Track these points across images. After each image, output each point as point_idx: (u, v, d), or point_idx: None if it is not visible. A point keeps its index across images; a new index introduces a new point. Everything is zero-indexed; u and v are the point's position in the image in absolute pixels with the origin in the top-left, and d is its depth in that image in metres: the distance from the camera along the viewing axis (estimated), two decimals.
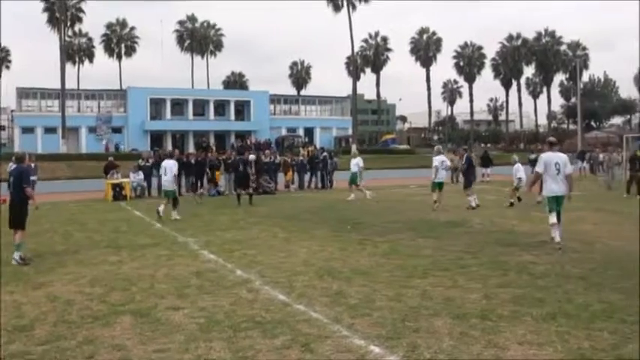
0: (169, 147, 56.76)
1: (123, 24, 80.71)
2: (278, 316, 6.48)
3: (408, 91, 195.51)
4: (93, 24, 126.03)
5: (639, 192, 21.36)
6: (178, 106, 66.97)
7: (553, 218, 10.86)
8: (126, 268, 9.47)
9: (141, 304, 7.13)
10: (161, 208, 16.54)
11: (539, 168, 11.11)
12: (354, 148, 24.73)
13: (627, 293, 7.33)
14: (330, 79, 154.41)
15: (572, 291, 7.47)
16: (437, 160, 18.36)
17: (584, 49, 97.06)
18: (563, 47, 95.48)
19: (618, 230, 13.14)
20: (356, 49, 75.69)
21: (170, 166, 16.93)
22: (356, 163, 22.73)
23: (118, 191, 24.45)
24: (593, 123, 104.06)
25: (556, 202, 10.92)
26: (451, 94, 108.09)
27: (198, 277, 8.54)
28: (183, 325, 6.23)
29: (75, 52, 78.81)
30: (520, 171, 19.84)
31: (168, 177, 16.82)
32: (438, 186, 18.15)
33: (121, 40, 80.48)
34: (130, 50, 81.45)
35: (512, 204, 18.63)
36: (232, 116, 68.97)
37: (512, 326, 6.02)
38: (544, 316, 6.34)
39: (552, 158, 11.00)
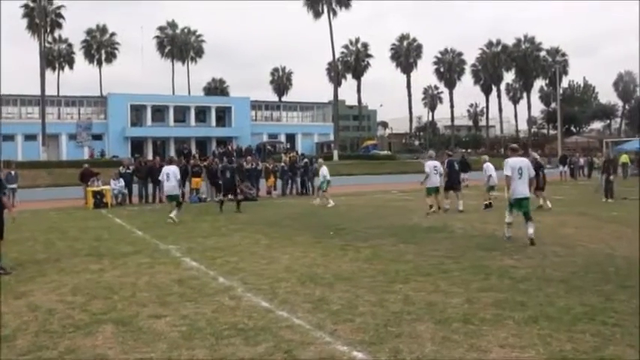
0: (150, 154, 56.53)
1: (103, 30, 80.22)
2: (261, 322, 6.46)
3: (388, 97, 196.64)
4: (73, 30, 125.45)
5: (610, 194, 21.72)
6: (159, 112, 66.64)
7: (509, 218, 12.15)
8: (107, 276, 9.40)
9: (123, 312, 7.08)
10: (174, 214, 17.09)
11: (507, 172, 11.98)
12: (320, 160, 25.17)
13: (608, 296, 7.41)
14: (312, 85, 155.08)
15: (553, 294, 7.53)
16: (429, 165, 18.59)
17: (564, 55, 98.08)
18: (543, 53, 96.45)
19: (599, 234, 13.26)
20: (337, 55, 76.02)
21: (173, 171, 17.71)
22: (324, 173, 23.09)
23: (98, 199, 24.28)
24: (573, 128, 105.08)
25: (520, 204, 11.89)
26: (432, 99, 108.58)
27: (180, 285, 8.49)
28: (165, 333, 6.19)
29: (55, 59, 78.15)
30: (490, 169, 20.01)
31: (172, 182, 17.60)
32: (435, 191, 18.43)
33: (101, 47, 80.00)
34: (111, 56, 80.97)
35: (488, 205, 18.78)
36: (213, 122, 68.79)
37: (494, 330, 6.06)
38: (526, 320, 6.39)
39: (516, 163, 12.01)
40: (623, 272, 8.94)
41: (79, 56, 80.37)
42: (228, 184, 20.31)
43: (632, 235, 13.03)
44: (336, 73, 75.41)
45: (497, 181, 18.96)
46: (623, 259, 10.05)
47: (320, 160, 26.00)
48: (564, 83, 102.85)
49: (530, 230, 11.60)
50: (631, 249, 11.11)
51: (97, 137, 62.08)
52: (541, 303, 7.10)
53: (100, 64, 79.90)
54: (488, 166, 20.16)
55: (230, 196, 20.17)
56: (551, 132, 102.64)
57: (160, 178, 19.04)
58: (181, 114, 67.72)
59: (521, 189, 11.87)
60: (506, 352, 5.45)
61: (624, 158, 43.36)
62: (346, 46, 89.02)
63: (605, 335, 5.86)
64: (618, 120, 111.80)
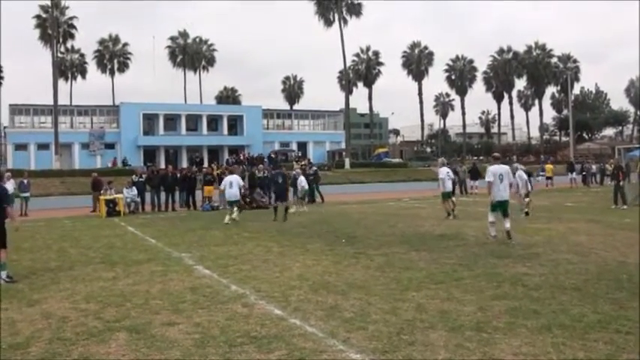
0: (162, 162, 56.73)
1: (115, 40, 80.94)
2: (273, 330, 6.46)
3: (400, 104, 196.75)
4: (85, 40, 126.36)
5: (623, 201, 21.58)
6: (171, 121, 66.98)
7: (492, 217, 13.43)
8: (120, 284, 9.43)
9: (136, 320, 7.10)
10: (235, 214, 19.36)
11: (489, 178, 13.43)
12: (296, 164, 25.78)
13: (621, 304, 7.37)
14: (323, 93, 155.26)
15: (566, 302, 7.50)
16: (442, 171, 19.41)
17: (575, 61, 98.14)
18: (554, 60, 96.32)
19: (611, 241, 13.19)
20: (348, 64, 76.12)
21: (236, 180, 20.17)
22: (302, 184, 24.09)
23: (111, 207, 24.38)
24: (585, 134, 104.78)
25: (501, 205, 13.30)
26: (443, 107, 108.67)
27: (193, 293, 8.51)
28: (179, 340, 6.20)
29: (67, 68, 78.92)
30: (522, 177, 19.64)
31: (234, 189, 19.79)
32: (448, 195, 19.40)
33: (113, 56, 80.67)
34: (123, 66, 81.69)
35: (527, 213, 18.86)
36: (225, 131, 69.01)
37: (507, 338, 6.04)
38: (539, 328, 6.37)
39: (497, 170, 13.36)
40: (635, 280, 8.87)
41: (91, 66, 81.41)
42: (280, 190, 20.36)
43: None
44: (347, 81, 75.59)
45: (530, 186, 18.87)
46: (635, 267, 9.97)
47: (298, 170, 26.20)
48: (576, 90, 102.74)
49: (507, 225, 13.23)
50: None
51: (110, 146, 62.50)
52: (554, 311, 7.06)
53: (112, 73, 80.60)
54: (521, 174, 19.81)
55: (278, 202, 20.42)
56: (564, 139, 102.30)
57: (221, 186, 20.99)
58: (193, 123, 68.03)
59: (502, 193, 13.33)
60: None
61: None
62: (357, 54, 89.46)
63: (618, 343, 5.82)
64: (630, 126, 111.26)
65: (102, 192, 25.48)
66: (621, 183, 22.06)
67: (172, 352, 5.86)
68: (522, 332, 6.23)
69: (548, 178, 41.77)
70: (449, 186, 19.40)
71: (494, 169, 13.42)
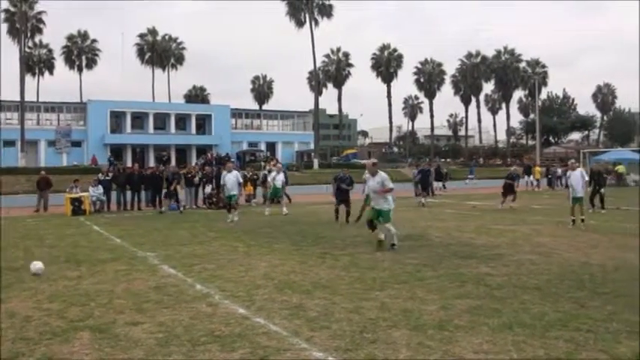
0: (129, 161, 56.16)
1: (84, 36, 79.83)
2: (237, 329, 6.46)
3: (369, 106, 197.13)
4: (54, 35, 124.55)
5: (601, 205, 21.92)
6: (139, 119, 66.34)
7: (393, 229, 12.63)
8: (85, 283, 9.32)
9: (100, 319, 7.03)
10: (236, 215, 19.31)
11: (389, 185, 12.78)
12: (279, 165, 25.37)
13: (582, 303, 7.53)
14: (292, 94, 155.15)
15: (528, 301, 7.62)
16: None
17: (544, 66, 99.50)
18: (523, 65, 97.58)
19: (575, 242, 13.43)
20: (318, 65, 76.22)
21: (235, 175, 20.04)
22: (280, 178, 23.47)
23: (77, 205, 24.09)
24: (551, 138, 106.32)
25: (378, 213, 12.64)
26: (412, 109, 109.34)
27: (157, 292, 8.46)
28: (142, 340, 6.16)
29: (35, 64, 77.70)
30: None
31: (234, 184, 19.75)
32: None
33: (81, 53, 79.53)
34: (91, 62, 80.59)
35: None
36: (193, 130, 68.59)
37: (469, 336, 6.12)
38: (500, 326, 6.46)
39: (373, 179, 12.75)
40: (597, 280, 9.08)
41: (59, 62, 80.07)
42: (344, 194, 19.11)
43: (608, 243, 13.26)
44: (317, 82, 75.66)
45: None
46: (598, 267, 10.20)
47: (279, 166, 25.99)
48: (543, 94, 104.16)
49: (392, 229, 12.67)
50: (606, 256, 11.31)
51: (77, 144, 61.60)
52: (516, 310, 7.18)
53: (80, 70, 79.46)
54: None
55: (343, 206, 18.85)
56: (530, 142, 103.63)
57: (221, 182, 20.81)
58: (161, 121, 67.47)
59: (377, 200, 12.70)
60: (481, 358, 5.50)
61: (621, 168, 44.25)
62: (327, 56, 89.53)
63: (578, 341, 5.94)
64: (596, 131, 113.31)
65: (67, 190, 25.16)
66: (602, 190, 22.33)
67: (136, 351, 5.82)
68: (484, 330, 6.32)
69: (536, 180, 43.18)
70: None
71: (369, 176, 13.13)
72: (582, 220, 16.35)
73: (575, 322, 6.63)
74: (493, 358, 5.48)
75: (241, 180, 20.74)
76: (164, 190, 25.19)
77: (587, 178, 16.65)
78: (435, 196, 32.74)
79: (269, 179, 23.72)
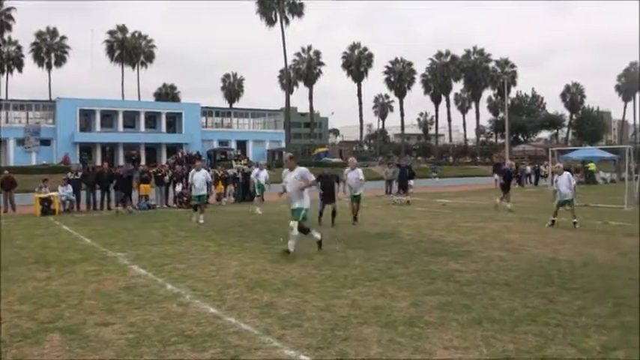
0: (99, 160, 55.51)
1: (53, 33, 78.74)
2: (208, 329, 6.45)
3: (340, 104, 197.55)
4: (23, 32, 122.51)
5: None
6: (108, 117, 65.55)
7: (295, 231, 11.39)
8: (55, 284, 9.20)
9: (70, 320, 6.96)
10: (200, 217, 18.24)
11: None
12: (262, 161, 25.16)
13: (551, 298, 7.69)
14: (263, 92, 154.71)
15: (497, 297, 7.74)
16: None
17: (513, 66, 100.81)
18: (492, 64, 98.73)
19: (543, 239, 13.64)
20: (289, 63, 76.20)
21: (204, 173, 19.15)
22: (264, 175, 23.27)
23: (46, 205, 23.75)
24: (520, 137, 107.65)
25: (299, 213, 11.58)
26: (382, 108, 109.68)
27: (127, 292, 8.40)
28: (113, 341, 6.12)
29: (4, 61, 76.33)
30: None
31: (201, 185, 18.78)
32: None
33: (50, 50, 78.41)
34: (60, 60, 79.47)
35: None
36: (163, 128, 68.07)
37: (439, 332, 6.20)
38: (470, 322, 6.56)
39: (291, 173, 11.94)
40: (566, 275, 9.26)
41: (28, 59, 78.78)
42: (330, 194, 17.39)
43: (576, 239, 13.48)
44: (288, 80, 75.60)
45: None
46: (566, 263, 10.40)
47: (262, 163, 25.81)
48: (513, 93, 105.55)
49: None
50: (574, 252, 11.51)
51: (46, 142, 60.61)
52: (485, 306, 7.28)
53: (49, 67, 78.35)
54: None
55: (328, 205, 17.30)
56: (499, 141, 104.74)
57: (189, 181, 19.64)
58: (131, 120, 66.79)
59: (299, 200, 11.86)
60: (450, 353, 5.58)
61: (592, 166, 45.01)
62: (298, 54, 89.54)
63: (547, 335, 6.06)
64: (565, 129, 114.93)
65: (36, 190, 24.78)
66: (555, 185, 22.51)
67: (106, 352, 5.78)
68: (453, 326, 6.40)
69: (519, 177, 43.42)
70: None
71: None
72: (574, 223, 16.00)
73: (544, 316, 6.75)
74: (463, 354, 5.55)
75: (211, 179, 20.17)
76: (112, 191, 24.76)
77: (574, 182, 16.68)
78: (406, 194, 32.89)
79: (252, 176, 23.42)
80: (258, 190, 23.08)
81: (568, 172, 16.91)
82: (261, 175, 22.88)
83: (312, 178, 12.02)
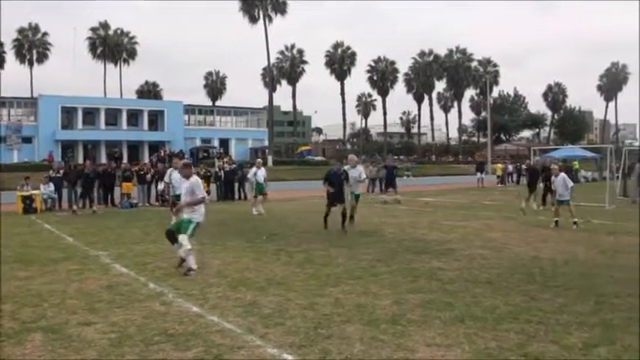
0: (80, 157, 55.07)
1: (35, 29, 77.91)
2: (191, 328, 6.44)
3: (323, 103, 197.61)
4: (4, 28, 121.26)
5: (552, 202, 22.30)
6: (90, 115, 65.01)
7: (188, 245, 9.81)
8: (36, 283, 9.12)
9: (52, 320, 6.91)
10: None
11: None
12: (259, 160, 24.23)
13: (532, 296, 7.76)
14: (246, 90, 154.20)
15: (479, 295, 7.80)
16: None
17: (495, 65, 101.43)
18: (474, 64, 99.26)
19: (525, 237, 13.76)
20: (272, 61, 76.00)
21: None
22: (262, 174, 22.39)
23: (28, 204, 23.55)
24: (503, 136, 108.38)
25: (187, 226, 10.12)
26: (365, 107, 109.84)
27: (109, 292, 8.35)
28: (95, 340, 6.09)
29: None
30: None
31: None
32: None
33: (32, 46, 77.52)
34: (42, 57, 78.61)
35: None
36: (145, 126, 67.63)
37: (421, 330, 6.23)
38: (452, 319, 6.60)
39: (185, 182, 10.56)
40: (547, 273, 9.35)
41: (9, 56, 77.79)
42: (339, 193, 15.74)
43: (557, 237, 13.60)
44: (271, 78, 75.37)
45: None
46: (548, 261, 10.50)
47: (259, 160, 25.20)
48: (495, 93, 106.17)
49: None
50: (555, 250, 11.61)
51: (27, 140, 59.95)
52: (467, 303, 7.33)
53: (31, 64, 77.44)
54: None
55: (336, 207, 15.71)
56: (482, 140, 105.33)
57: (165, 179, 18.32)
58: (113, 117, 66.24)
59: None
60: (433, 350, 5.61)
61: (576, 165, 45.49)
62: (282, 52, 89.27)
63: (529, 333, 6.12)
64: (547, 129, 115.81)
65: (18, 188, 24.56)
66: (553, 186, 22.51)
67: (89, 352, 5.75)
68: (436, 324, 6.44)
69: (498, 176, 43.82)
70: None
71: (176, 175, 12.51)
72: (575, 223, 15.83)
73: (525, 314, 6.82)
74: (445, 351, 5.59)
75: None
76: (78, 189, 24.33)
77: (571, 184, 16.69)
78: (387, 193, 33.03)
79: (249, 176, 22.77)
80: (255, 190, 22.31)
81: (564, 174, 16.96)
82: (259, 174, 22.40)
83: (202, 195, 10.37)
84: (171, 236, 10.17)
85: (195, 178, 10.49)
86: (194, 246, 10.10)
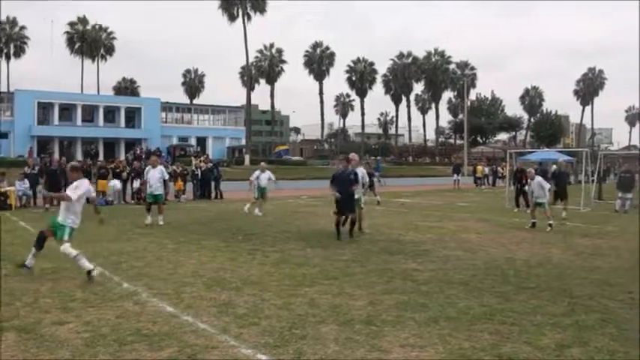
0: (56, 154, 54.49)
1: (13, 22, 76.96)
2: (165, 328, 6.40)
3: (301, 103, 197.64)
4: None
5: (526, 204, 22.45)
6: (66, 111, 64.39)
7: (71, 251, 9.32)
8: (10, 282, 8.96)
9: (25, 319, 6.82)
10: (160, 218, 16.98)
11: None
12: (263, 164, 23.56)
13: (507, 297, 7.84)
14: (224, 88, 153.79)
15: (454, 296, 7.86)
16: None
17: (473, 68, 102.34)
18: (452, 66, 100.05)
19: (500, 239, 13.87)
20: (251, 60, 75.85)
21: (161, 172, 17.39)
22: (265, 177, 21.68)
23: (2, 200, 23.22)
24: (479, 138, 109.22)
25: (62, 231, 9.54)
26: (343, 107, 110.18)
27: (83, 291, 8.26)
28: (69, 340, 6.03)
29: None
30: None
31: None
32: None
33: (9, 40, 76.59)
34: (20, 51, 77.75)
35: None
36: (123, 123, 67.15)
37: (396, 330, 6.27)
38: (427, 320, 6.65)
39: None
40: (522, 275, 9.45)
41: None
42: (350, 199, 13.80)
43: (531, 239, 13.73)
44: (249, 77, 75.28)
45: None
46: (522, 262, 10.62)
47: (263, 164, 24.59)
48: (472, 95, 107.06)
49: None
50: (530, 252, 11.73)
51: (3, 135, 59.03)
52: (442, 304, 7.38)
53: (8, 58, 76.57)
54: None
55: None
56: (459, 142, 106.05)
57: (145, 178, 17.94)
58: (89, 113, 65.70)
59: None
60: (407, 351, 5.65)
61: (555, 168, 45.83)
62: (260, 51, 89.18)
63: (502, 333, 6.19)
64: (523, 132, 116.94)
65: None
66: (526, 188, 22.59)
67: (62, 351, 5.70)
68: (410, 324, 6.48)
69: (478, 178, 44.54)
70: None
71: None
72: (550, 225, 15.77)
73: (500, 315, 6.89)
74: (419, 352, 5.63)
75: (167, 177, 18.07)
76: (40, 187, 23.73)
77: (547, 186, 16.75)
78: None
79: (251, 178, 21.79)
80: (257, 193, 21.37)
81: (539, 178, 17.06)
82: (262, 177, 21.44)
83: (69, 194, 9.59)
84: (42, 241, 9.70)
85: (79, 181, 9.67)
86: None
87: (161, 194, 17.46)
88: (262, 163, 24.14)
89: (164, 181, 17.58)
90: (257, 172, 21.90)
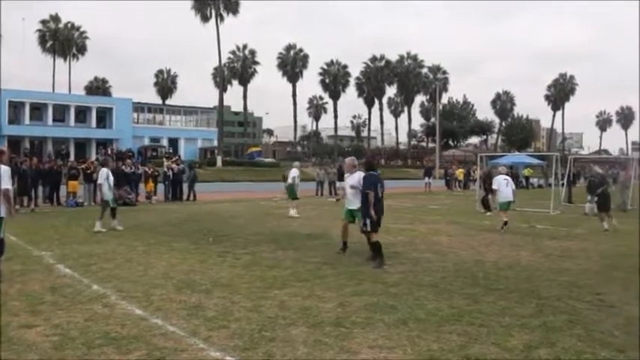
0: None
1: None
2: (134, 331, 6.37)
3: (274, 105, 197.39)
4: None
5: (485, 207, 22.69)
6: (37, 110, 63.67)
7: None
8: None
9: None
10: (114, 223, 15.92)
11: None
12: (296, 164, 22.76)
13: (475, 298, 7.94)
14: (197, 89, 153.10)
15: (423, 298, 7.93)
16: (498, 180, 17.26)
17: (445, 72, 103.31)
18: (425, 70, 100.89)
19: (470, 241, 14.01)
20: (223, 61, 75.66)
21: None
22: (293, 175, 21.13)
23: None
24: (451, 142, 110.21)
25: None
26: (316, 109, 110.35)
27: (52, 293, 8.18)
28: (37, 343, 5.97)
29: None
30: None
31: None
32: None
33: None
34: None
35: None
36: (94, 123, 66.54)
37: (365, 332, 6.31)
38: (396, 322, 6.70)
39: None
40: (491, 276, 9.56)
41: None
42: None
43: (501, 242, 13.89)
44: (221, 78, 75.00)
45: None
46: (491, 264, 10.75)
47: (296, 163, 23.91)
48: (444, 99, 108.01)
49: None
50: (499, 255, 11.88)
51: None
52: (411, 306, 7.44)
53: None
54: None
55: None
56: (430, 145, 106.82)
57: (99, 181, 16.37)
58: (61, 113, 65.04)
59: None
60: (375, 352, 5.70)
61: (527, 172, 46.66)
62: (233, 52, 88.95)
63: (471, 335, 6.27)
64: (495, 136, 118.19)
65: None
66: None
67: (30, 355, 5.65)
68: (379, 326, 6.53)
69: (459, 181, 45.27)
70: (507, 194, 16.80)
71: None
72: (505, 223, 16.00)
73: (468, 316, 6.97)
74: (387, 353, 5.68)
75: (111, 178, 16.14)
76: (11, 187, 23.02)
77: (513, 187, 16.90)
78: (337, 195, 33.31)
79: (290, 181, 21.08)
80: (294, 193, 21.05)
81: (504, 176, 17.20)
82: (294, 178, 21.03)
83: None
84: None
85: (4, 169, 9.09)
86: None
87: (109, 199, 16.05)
88: (297, 162, 23.67)
89: (109, 186, 16.10)
90: (297, 172, 21.46)
